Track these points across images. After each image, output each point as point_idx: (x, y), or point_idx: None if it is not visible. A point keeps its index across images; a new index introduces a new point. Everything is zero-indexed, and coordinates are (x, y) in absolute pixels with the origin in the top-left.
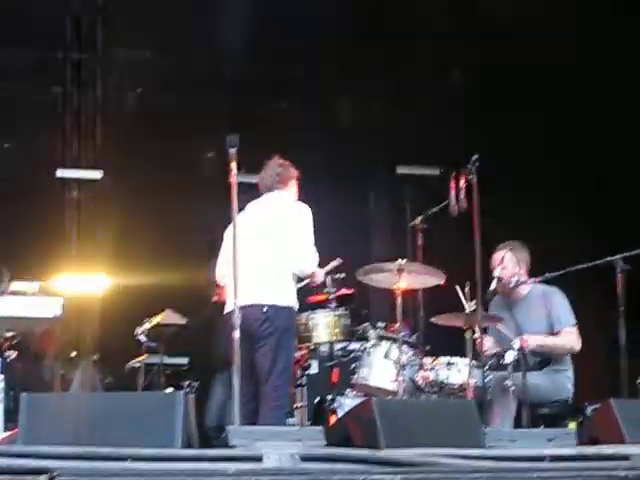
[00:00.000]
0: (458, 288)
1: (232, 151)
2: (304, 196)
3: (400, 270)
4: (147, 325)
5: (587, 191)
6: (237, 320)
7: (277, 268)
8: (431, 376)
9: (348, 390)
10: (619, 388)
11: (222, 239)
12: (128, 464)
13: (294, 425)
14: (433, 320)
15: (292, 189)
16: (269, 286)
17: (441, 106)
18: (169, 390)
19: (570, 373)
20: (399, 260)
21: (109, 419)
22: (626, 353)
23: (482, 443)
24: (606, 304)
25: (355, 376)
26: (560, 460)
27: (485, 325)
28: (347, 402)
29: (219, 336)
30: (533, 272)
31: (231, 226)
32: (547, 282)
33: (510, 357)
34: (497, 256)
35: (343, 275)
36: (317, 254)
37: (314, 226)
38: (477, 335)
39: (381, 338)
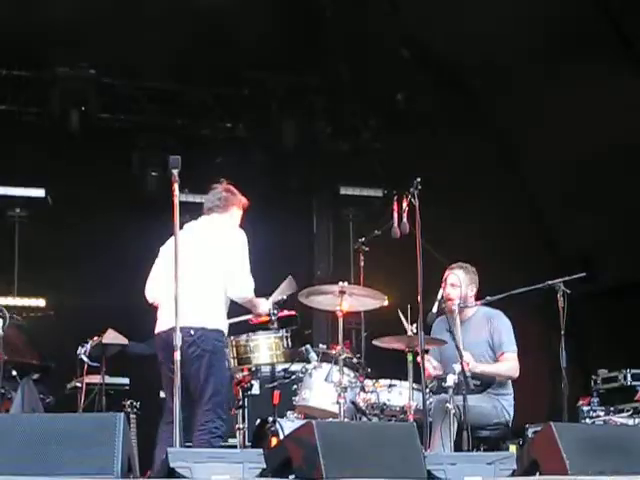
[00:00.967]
0: (400, 312)
1: (174, 172)
2: (248, 220)
3: (342, 292)
4: (89, 345)
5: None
6: (178, 340)
7: (206, 291)
8: (372, 398)
9: (289, 412)
10: (559, 410)
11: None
12: None
13: (235, 447)
14: (375, 342)
15: (233, 216)
16: (197, 309)
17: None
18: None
19: (510, 397)
20: (340, 282)
21: (49, 440)
22: (567, 375)
23: (422, 467)
24: (547, 326)
25: (297, 398)
26: None
27: (427, 348)
28: (288, 424)
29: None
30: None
31: (165, 246)
32: (488, 305)
33: (451, 380)
34: (450, 275)
35: (285, 297)
36: (252, 280)
37: (253, 249)
38: (421, 359)
39: (322, 360)
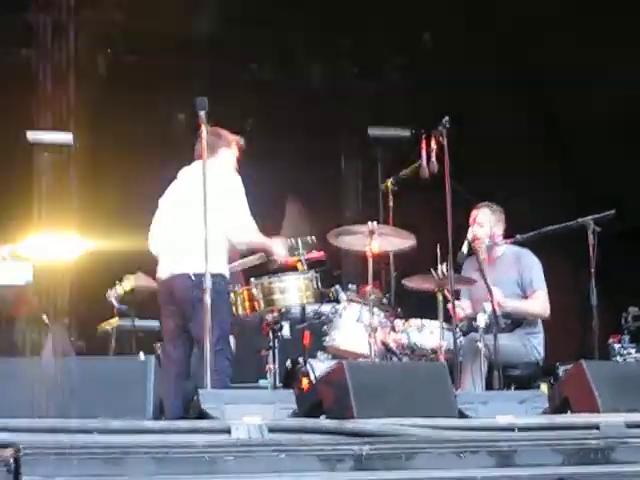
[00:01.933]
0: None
1: (201, 113)
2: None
3: (371, 232)
4: (118, 288)
5: (555, 158)
6: (208, 282)
7: (203, 236)
8: (403, 339)
9: (319, 353)
10: (590, 349)
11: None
12: (95, 437)
13: (266, 388)
14: (404, 282)
15: (221, 158)
16: (196, 254)
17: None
18: (141, 355)
19: (540, 335)
20: (370, 223)
21: (80, 385)
22: (597, 314)
23: (454, 406)
24: (577, 265)
25: (327, 338)
26: (530, 430)
27: (457, 288)
28: (319, 365)
29: None
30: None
31: (163, 197)
32: (519, 244)
33: (482, 319)
34: (476, 213)
35: (314, 237)
36: (252, 222)
37: (282, 191)
38: (451, 303)
39: (352, 300)
